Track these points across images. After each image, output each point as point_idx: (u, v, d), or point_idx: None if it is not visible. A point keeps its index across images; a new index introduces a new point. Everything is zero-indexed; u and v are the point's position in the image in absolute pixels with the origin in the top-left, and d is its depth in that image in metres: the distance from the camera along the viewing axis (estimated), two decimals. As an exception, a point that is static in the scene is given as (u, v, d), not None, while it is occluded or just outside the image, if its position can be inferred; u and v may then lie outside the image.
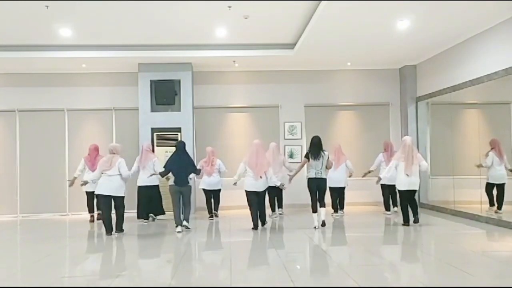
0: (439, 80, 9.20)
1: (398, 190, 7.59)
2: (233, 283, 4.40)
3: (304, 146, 10.52)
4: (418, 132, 10.21)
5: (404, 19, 7.31)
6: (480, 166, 8.01)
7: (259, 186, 7.28)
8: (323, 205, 7.45)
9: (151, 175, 8.16)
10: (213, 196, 8.85)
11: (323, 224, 7.29)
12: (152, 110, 9.86)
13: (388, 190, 8.78)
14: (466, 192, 8.66)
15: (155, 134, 9.77)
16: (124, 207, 7.36)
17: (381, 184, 8.56)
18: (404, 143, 7.48)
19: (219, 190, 8.85)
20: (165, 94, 9.76)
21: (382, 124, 10.72)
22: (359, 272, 4.93)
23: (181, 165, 7.36)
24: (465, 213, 8.34)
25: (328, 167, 7.50)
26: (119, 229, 7.34)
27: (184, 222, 7.39)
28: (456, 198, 8.74)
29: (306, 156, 7.48)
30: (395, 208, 8.95)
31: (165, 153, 9.19)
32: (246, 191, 7.36)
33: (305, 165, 7.58)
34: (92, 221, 8.80)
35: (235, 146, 10.35)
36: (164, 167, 7.52)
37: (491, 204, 7.90)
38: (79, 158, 10.08)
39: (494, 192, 7.89)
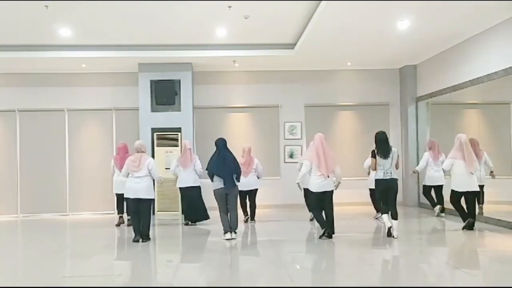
0: (439, 80, 9.20)
1: (455, 192, 7.03)
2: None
3: (304, 146, 10.53)
4: (418, 132, 10.22)
5: (404, 19, 7.31)
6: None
7: (328, 185, 6.41)
8: (395, 215, 6.49)
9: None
10: (249, 198, 8.20)
11: (394, 236, 6.43)
12: (152, 110, 9.86)
13: (430, 191, 8.43)
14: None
15: (155, 134, 9.76)
16: (150, 211, 6.69)
17: (425, 185, 8.44)
18: (460, 140, 7.02)
19: (256, 190, 8.18)
20: (165, 94, 9.76)
21: (382, 124, 10.65)
22: (358, 272, 4.93)
23: (226, 164, 6.61)
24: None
25: (397, 167, 6.65)
26: (145, 237, 6.60)
27: (233, 234, 6.60)
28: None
29: (373, 154, 6.62)
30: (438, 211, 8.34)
31: (165, 153, 9.15)
32: (312, 192, 6.47)
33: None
34: (118, 224, 8.17)
35: (235, 146, 10.28)
36: (206, 169, 6.83)
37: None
38: (79, 158, 10.15)
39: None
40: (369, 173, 7.86)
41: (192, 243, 6.61)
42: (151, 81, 9.86)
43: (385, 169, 6.49)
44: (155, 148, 9.44)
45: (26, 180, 10.11)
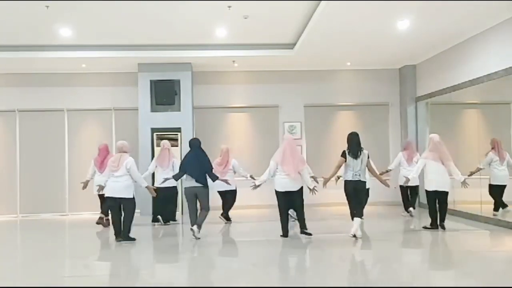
0: (439, 80, 9.20)
1: (427, 191, 7.13)
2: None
3: (304, 146, 10.53)
4: (418, 132, 10.22)
5: (404, 19, 7.31)
6: (477, 170, 7.70)
7: (293, 185, 6.53)
8: (358, 214, 6.54)
9: (164, 180, 7.48)
10: (227, 198, 8.30)
11: (355, 236, 6.43)
12: (152, 110, 9.86)
13: (406, 191, 8.57)
14: (465, 192, 8.63)
15: (155, 134, 9.77)
16: (132, 211, 6.65)
17: (400, 185, 8.49)
18: (433, 141, 7.10)
19: (234, 191, 8.24)
20: (164, 94, 9.77)
21: (382, 124, 10.72)
22: (356, 272, 4.93)
23: (197, 164, 6.72)
24: (464, 213, 8.35)
25: (370, 171, 6.69)
26: (125, 236, 6.60)
27: (194, 227, 6.63)
28: (455, 198, 8.73)
29: (343, 154, 6.58)
30: (410, 209, 8.60)
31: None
32: (277, 192, 6.63)
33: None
34: (99, 223, 8.13)
35: (235, 146, 10.34)
36: (179, 168, 6.99)
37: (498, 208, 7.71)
38: (79, 158, 10.14)
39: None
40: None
41: (190, 242, 6.60)
42: (151, 81, 9.86)
43: (355, 170, 6.47)
44: (155, 148, 9.46)
45: (26, 180, 10.10)
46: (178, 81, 9.91)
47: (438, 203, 7.08)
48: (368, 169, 6.68)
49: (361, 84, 10.71)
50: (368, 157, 6.59)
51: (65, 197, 10.04)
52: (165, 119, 9.83)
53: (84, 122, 10.32)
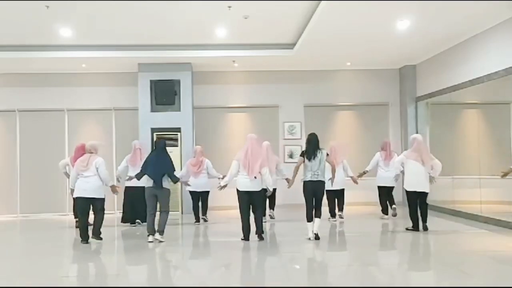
0: (439, 80, 9.20)
1: (406, 191, 7.10)
2: None
3: (304, 146, 10.52)
4: (418, 132, 10.18)
5: (404, 19, 7.31)
6: (510, 170, 6.89)
7: (254, 185, 6.39)
8: (318, 214, 6.46)
9: (128, 178, 7.53)
10: (201, 199, 8.30)
11: (317, 237, 6.36)
12: (152, 110, 9.86)
13: (386, 192, 8.37)
14: (465, 192, 8.66)
15: (155, 134, 9.77)
16: (103, 210, 6.69)
17: (378, 186, 8.42)
18: (416, 141, 7.04)
19: (208, 192, 8.28)
20: (165, 94, 9.77)
21: (382, 124, 10.73)
22: (358, 274, 4.94)
23: (157, 165, 6.62)
24: (464, 213, 8.35)
25: (332, 167, 6.67)
26: (96, 234, 6.63)
27: (156, 235, 6.53)
28: (455, 198, 8.75)
29: (302, 154, 6.59)
30: (394, 206, 8.38)
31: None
32: (238, 191, 6.48)
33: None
34: (77, 227, 7.63)
35: (235, 146, 10.31)
36: (141, 168, 6.89)
37: None
38: (79, 158, 10.14)
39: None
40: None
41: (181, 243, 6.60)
42: (151, 81, 9.86)
43: (313, 170, 6.41)
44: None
45: (26, 180, 10.11)
46: (178, 81, 9.91)
47: (419, 204, 7.04)
48: (332, 168, 6.68)
49: (361, 84, 10.71)
50: (328, 155, 6.58)
51: (65, 197, 10.03)
52: (165, 119, 9.82)
53: (84, 122, 10.32)
